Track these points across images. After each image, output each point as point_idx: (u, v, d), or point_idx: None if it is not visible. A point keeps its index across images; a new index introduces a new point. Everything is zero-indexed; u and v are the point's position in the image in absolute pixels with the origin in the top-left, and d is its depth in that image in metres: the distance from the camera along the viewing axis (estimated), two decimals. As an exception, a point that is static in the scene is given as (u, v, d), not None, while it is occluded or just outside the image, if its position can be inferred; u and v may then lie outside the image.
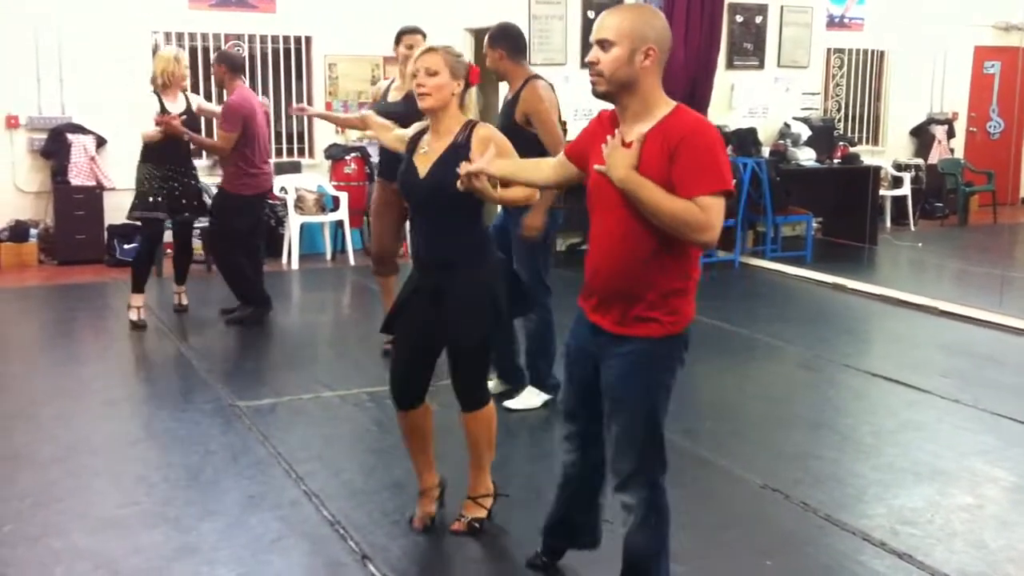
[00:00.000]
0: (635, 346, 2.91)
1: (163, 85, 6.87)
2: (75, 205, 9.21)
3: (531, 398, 5.34)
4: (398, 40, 6.12)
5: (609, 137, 2.85)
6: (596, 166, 2.87)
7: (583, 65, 10.78)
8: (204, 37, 9.59)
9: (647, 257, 2.85)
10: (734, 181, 10.50)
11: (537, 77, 5.20)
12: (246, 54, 9.97)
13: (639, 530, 3.02)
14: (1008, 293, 8.17)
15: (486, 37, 5.27)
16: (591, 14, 10.88)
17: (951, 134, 13.42)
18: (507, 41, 5.24)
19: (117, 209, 8.99)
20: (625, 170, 2.78)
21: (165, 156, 6.86)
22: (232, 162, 6.93)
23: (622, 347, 2.93)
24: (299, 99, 10.37)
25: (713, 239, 2.78)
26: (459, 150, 3.55)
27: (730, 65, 11.58)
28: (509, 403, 5.26)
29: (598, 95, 2.90)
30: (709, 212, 2.73)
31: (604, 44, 2.82)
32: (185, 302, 7.44)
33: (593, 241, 3.00)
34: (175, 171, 6.96)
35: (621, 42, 2.80)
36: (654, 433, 2.98)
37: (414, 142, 3.75)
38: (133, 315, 6.96)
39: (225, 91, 7.20)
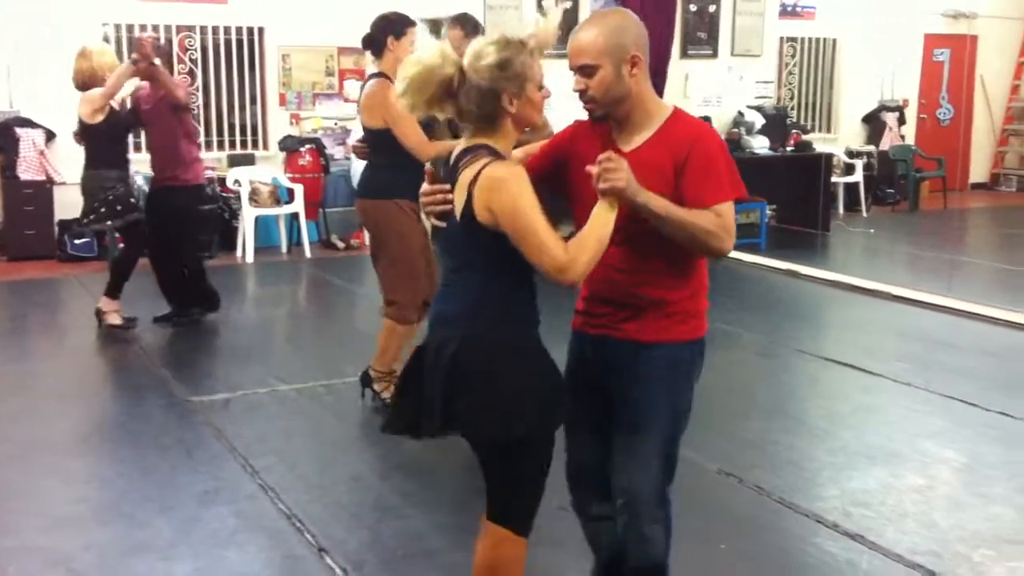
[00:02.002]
0: (657, 353, 2.69)
1: (81, 85, 6.47)
2: (24, 200, 9.05)
3: None
4: (402, 32, 5.03)
5: (603, 156, 2.48)
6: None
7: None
8: (155, 29, 9.44)
9: (650, 261, 2.66)
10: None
11: None
12: (198, 45, 9.86)
13: (661, 542, 2.80)
14: (956, 278, 8.31)
15: (462, 23, 5.18)
16: (545, 3, 10.89)
17: (902, 121, 13.59)
18: (477, 32, 5.29)
19: (68, 204, 8.83)
20: (635, 186, 2.47)
21: (116, 159, 6.60)
22: (186, 149, 6.64)
23: (641, 356, 2.69)
24: (252, 91, 10.29)
25: (731, 246, 2.62)
26: None
27: (684, 54, 11.66)
28: None
29: (597, 119, 2.69)
30: (726, 218, 2.60)
31: (586, 69, 2.60)
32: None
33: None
34: (125, 172, 6.70)
35: (603, 63, 2.57)
36: (675, 445, 2.80)
37: None
38: (116, 319, 6.62)
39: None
